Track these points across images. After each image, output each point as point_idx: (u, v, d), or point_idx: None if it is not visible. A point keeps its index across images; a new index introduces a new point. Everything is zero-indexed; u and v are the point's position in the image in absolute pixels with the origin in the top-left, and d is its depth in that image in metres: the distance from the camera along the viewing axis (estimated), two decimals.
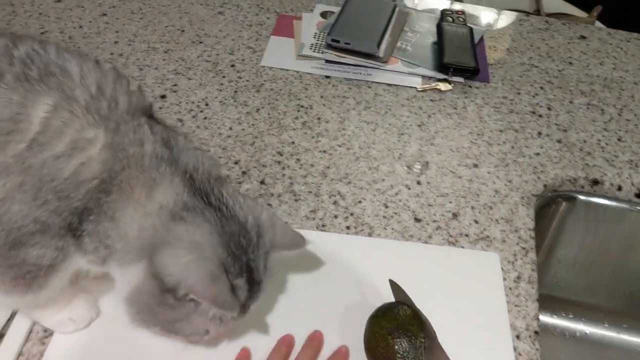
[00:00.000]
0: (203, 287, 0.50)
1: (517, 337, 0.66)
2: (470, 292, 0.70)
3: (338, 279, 0.71)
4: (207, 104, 0.94)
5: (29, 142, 0.48)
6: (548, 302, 1.02)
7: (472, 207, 0.81)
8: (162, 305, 0.53)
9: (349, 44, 1.02)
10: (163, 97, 0.94)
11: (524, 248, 0.76)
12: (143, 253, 0.52)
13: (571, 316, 1.03)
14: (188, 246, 0.51)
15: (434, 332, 0.60)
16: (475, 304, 0.69)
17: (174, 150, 0.55)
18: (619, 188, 0.87)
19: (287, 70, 1.02)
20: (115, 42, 1.06)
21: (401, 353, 0.58)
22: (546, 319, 1.02)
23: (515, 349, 0.65)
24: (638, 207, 0.87)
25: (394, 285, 0.66)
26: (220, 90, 0.97)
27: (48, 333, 0.63)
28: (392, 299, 0.65)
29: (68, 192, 0.49)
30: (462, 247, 0.75)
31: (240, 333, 0.64)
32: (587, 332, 1.02)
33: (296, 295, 0.69)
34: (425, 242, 0.76)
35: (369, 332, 0.61)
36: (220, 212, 0.54)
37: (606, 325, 1.03)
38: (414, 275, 0.70)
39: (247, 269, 0.54)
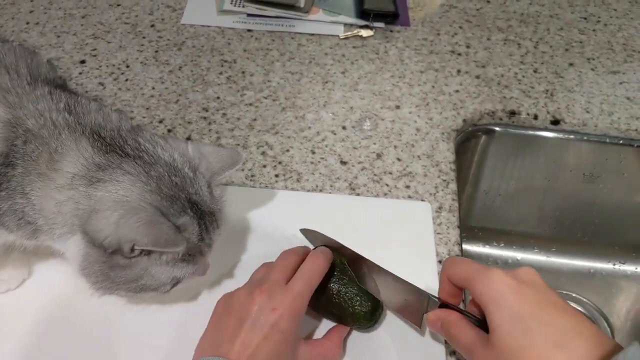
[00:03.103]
0: (141, 235, 0.49)
1: (440, 262, 0.70)
2: (403, 239, 0.72)
3: (268, 235, 0.71)
4: (127, 66, 0.93)
5: None
6: (479, 233, 1.07)
7: (395, 147, 0.83)
8: (115, 269, 0.52)
9: None
10: (83, 62, 0.93)
11: (444, 180, 0.79)
12: (72, 227, 0.51)
13: (502, 245, 1.08)
14: (113, 204, 0.50)
15: (352, 251, 0.64)
16: (407, 248, 0.71)
17: (77, 115, 0.53)
18: (536, 117, 0.90)
19: (209, 26, 1.02)
20: (31, 12, 1.03)
21: (331, 274, 0.61)
22: (478, 249, 1.07)
23: (439, 273, 0.68)
24: (554, 134, 0.92)
25: (305, 232, 0.68)
26: (141, 52, 0.96)
27: None
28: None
29: None
30: (387, 185, 0.78)
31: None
32: (519, 258, 1.08)
33: (227, 253, 0.69)
34: (351, 183, 0.78)
35: None
36: (141, 160, 0.53)
37: (536, 250, 1.08)
38: (347, 227, 0.71)
39: (190, 205, 0.53)
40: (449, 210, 0.75)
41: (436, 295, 0.58)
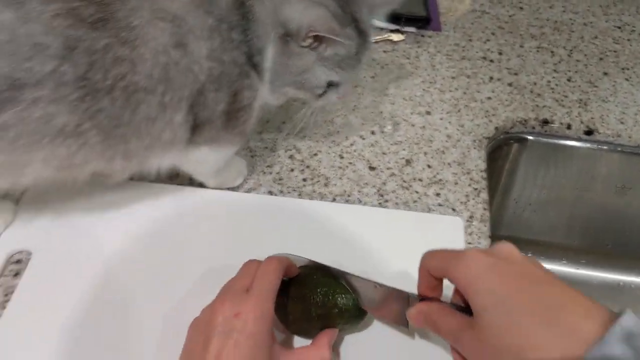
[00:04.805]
0: (320, 23, 0.59)
1: None
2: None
3: (289, 248, 0.65)
4: None
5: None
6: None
7: (425, 153, 0.82)
8: (290, 57, 0.62)
9: None
10: None
11: (475, 189, 0.77)
12: (271, 27, 0.60)
13: (530, 255, 1.06)
14: None
15: (321, 264, 0.61)
16: None
17: None
18: (569, 127, 0.89)
19: None
20: None
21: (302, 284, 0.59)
22: None
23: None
24: (587, 144, 0.90)
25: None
26: None
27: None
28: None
29: (226, 17, 0.57)
30: (417, 192, 0.77)
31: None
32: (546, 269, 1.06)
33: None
34: (379, 189, 0.77)
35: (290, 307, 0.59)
36: None
37: (564, 261, 1.06)
38: (375, 240, 0.69)
39: (353, 20, 0.63)
40: (480, 220, 0.74)
41: (415, 292, 0.55)
